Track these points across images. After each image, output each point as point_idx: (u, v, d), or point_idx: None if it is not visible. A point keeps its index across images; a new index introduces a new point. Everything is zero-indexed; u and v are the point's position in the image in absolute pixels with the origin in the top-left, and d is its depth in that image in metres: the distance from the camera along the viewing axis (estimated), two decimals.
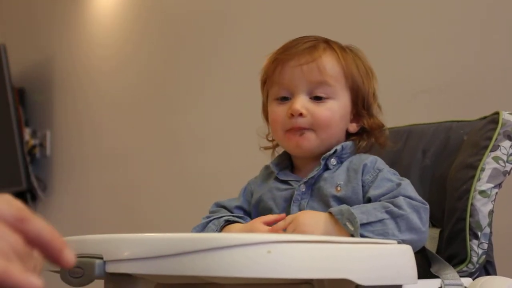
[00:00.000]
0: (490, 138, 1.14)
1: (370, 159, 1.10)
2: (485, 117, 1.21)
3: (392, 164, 1.18)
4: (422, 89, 1.77)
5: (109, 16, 3.08)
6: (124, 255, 0.77)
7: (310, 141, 1.10)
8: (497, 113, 1.17)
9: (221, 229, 1.09)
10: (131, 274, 0.79)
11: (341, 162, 1.12)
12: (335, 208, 1.00)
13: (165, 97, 2.73)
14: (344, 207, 0.99)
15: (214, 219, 1.12)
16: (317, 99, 1.10)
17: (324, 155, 1.10)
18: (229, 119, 2.42)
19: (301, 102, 1.09)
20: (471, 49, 1.68)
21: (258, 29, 2.33)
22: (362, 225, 0.96)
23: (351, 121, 1.15)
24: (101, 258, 0.78)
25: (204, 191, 2.42)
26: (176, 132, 2.66)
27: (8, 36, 3.60)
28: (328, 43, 1.14)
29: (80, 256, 0.81)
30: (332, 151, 1.11)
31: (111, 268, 0.78)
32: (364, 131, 1.15)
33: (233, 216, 1.12)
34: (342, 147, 1.12)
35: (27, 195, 3.37)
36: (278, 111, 1.12)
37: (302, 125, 1.09)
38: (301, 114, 1.09)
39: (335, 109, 1.10)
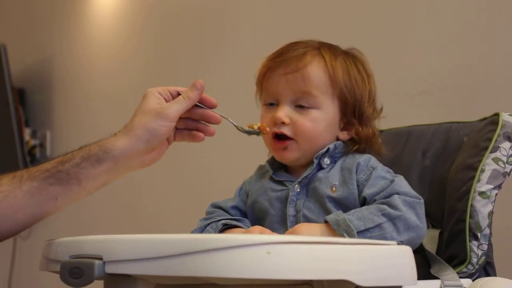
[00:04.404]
0: (490, 139, 1.14)
1: (363, 158, 1.10)
2: (485, 118, 1.20)
3: (391, 164, 1.18)
4: (422, 90, 1.76)
5: (109, 16, 3.08)
6: (124, 255, 0.77)
7: (293, 153, 1.11)
8: (497, 114, 1.17)
9: (220, 233, 1.09)
10: (131, 275, 0.78)
11: (335, 162, 1.12)
12: (331, 216, 0.99)
13: None
14: (340, 216, 0.99)
15: (212, 222, 1.12)
16: (301, 108, 1.11)
17: (317, 154, 1.11)
18: (230, 118, 2.41)
19: (285, 111, 1.11)
20: (471, 50, 1.68)
21: (258, 28, 2.32)
22: (360, 232, 0.96)
23: (342, 129, 1.14)
24: (101, 259, 0.78)
25: (205, 191, 2.41)
26: None
27: (8, 36, 3.60)
28: (319, 50, 1.13)
29: (79, 257, 0.81)
30: (324, 150, 1.11)
31: (110, 269, 0.78)
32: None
33: (230, 219, 1.12)
34: (335, 146, 1.12)
35: None
36: (265, 116, 1.14)
37: (285, 132, 1.10)
38: (283, 123, 1.10)
39: (319, 119, 1.11)
